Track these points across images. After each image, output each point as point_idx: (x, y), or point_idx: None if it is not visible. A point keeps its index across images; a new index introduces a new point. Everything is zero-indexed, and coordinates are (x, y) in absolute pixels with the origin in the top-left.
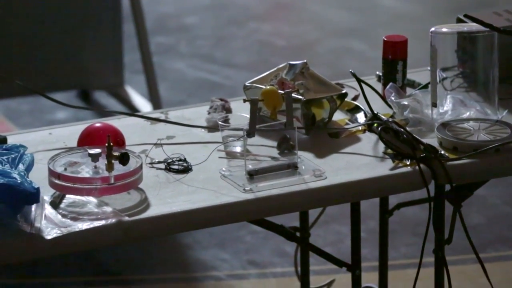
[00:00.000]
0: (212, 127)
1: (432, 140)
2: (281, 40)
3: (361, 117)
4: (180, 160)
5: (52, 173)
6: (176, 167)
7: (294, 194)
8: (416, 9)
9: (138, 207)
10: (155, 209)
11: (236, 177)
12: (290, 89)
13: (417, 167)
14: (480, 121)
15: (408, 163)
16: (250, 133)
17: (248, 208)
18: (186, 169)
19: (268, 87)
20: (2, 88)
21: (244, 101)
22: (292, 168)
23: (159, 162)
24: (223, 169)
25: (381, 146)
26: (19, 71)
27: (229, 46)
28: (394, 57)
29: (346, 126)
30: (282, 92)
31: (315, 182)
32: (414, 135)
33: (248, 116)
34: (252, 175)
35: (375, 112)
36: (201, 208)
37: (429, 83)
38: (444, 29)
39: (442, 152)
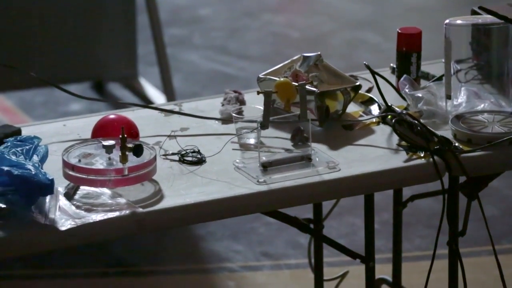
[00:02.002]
0: (226, 119)
1: (446, 132)
2: (295, 32)
3: (375, 109)
4: (194, 152)
5: (66, 165)
6: (190, 158)
7: (308, 186)
8: (430, 1)
9: (152, 199)
10: (169, 201)
11: (250, 169)
12: (304, 81)
13: (431, 159)
14: (494, 113)
15: (422, 155)
16: (264, 125)
17: (261, 199)
18: (200, 161)
19: (282, 79)
20: (17, 80)
21: (258, 93)
22: (306, 160)
23: (173, 154)
24: (237, 161)
25: (395, 138)
26: (33, 63)
27: (243, 38)
28: (408, 49)
29: (360, 118)
30: (296, 84)
31: (329, 174)
32: (428, 127)
33: (262, 108)
34: (266, 167)
35: (389, 104)
36: (214, 199)
37: (443, 75)
38: (459, 21)
39: (456, 144)
